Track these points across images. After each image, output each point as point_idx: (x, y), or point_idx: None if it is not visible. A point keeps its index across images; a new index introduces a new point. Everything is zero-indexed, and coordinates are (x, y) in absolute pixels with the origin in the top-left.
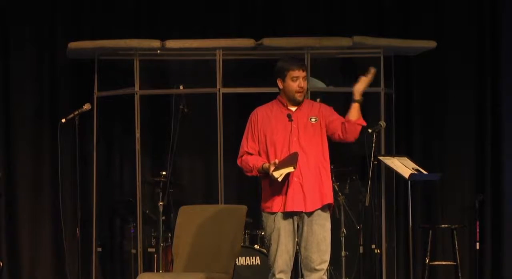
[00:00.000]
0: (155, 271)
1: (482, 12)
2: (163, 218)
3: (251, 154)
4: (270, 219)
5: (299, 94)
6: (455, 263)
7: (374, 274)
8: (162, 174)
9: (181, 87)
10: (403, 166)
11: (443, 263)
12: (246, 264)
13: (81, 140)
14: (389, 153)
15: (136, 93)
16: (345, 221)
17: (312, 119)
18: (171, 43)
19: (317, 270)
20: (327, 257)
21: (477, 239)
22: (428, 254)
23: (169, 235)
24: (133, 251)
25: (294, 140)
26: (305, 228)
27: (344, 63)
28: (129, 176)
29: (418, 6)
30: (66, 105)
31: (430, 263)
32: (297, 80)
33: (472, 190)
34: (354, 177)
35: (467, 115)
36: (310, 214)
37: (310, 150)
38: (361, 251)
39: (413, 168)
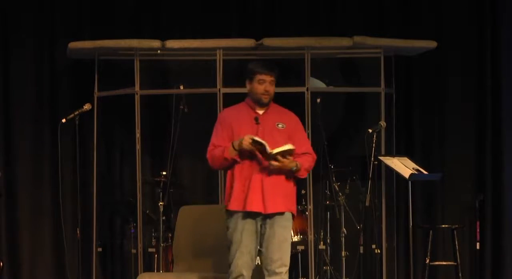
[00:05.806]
0: (155, 271)
1: (482, 12)
2: (163, 218)
3: (220, 146)
4: (231, 218)
5: (264, 96)
6: (455, 263)
7: (374, 274)
8: (162, 174)
9: (181, 87)
10: (403, 166)
11: (443, 263)
12: None
13: (81, 140)
14: (389, 153)
15: (136, 93)
16: (345, 221)
17: (279, 125)
18: (171, 43)
19: (276, 273)
20: (287, 260)
21: (477, 239)
22: (428, 254)
23: (169, 235)
24: (133, 251)
25: None
26: (267, 229)
27: (344, 63)
28: (129, 176)
29: (418, 6)
30: (66, 105)
31: (430, 263)
32: (263, 83)
33: (472, 190)
34: (354, 177)
35: (467, 115)
36: (271, 216)
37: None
38: (361, 251)
39: (413, 168)
